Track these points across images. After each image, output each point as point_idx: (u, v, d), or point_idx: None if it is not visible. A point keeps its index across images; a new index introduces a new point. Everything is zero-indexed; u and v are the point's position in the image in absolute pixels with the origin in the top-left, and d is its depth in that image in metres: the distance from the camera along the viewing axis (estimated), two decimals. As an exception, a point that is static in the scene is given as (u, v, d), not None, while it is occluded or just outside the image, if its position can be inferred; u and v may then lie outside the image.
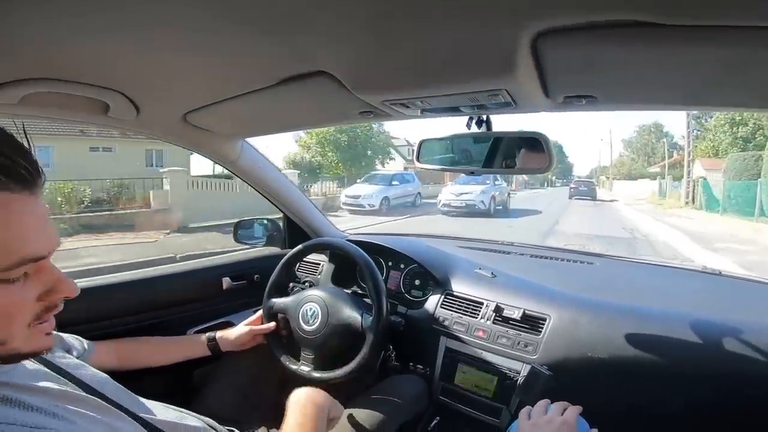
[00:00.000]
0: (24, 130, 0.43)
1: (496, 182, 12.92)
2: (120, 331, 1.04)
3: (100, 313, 1.07)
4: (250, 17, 0.46)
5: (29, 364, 0.50)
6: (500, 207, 12.85)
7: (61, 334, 0.76)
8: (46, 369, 0.52)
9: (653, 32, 0.42)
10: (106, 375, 0.60)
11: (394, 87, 0.66)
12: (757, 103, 0.66)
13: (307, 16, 0.46)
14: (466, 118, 0.78)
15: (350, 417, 0.94)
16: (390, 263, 1.37)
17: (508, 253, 1.56)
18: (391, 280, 1.34)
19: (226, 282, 1.36)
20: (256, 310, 1.21)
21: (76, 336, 0.81)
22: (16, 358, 0.44)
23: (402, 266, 1.35)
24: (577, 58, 0.52)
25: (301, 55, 0.58)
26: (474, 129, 0.77)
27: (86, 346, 0.81)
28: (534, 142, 0.71)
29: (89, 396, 0.50)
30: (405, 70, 0.60)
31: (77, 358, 0.68)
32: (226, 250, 4.74)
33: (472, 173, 0.82)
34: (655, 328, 0.97)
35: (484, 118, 0.76)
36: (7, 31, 0.47)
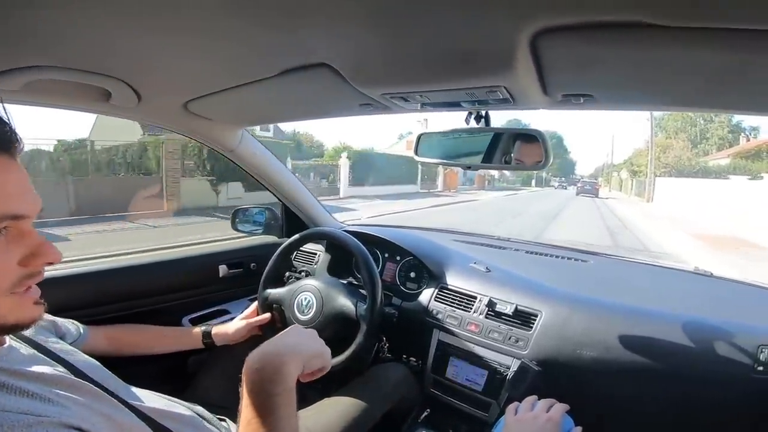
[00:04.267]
0: (0, 101, 0.43)
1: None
2: (114, 317, 1.04)
3: (96, 298, 1.07)
4: (254, 9, 0.46)
5: (24, 349, 0.50)
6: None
7: (55, 318, 0.76)
8: (40, 354, 0.52)
9: (654, 33, 0.42)
10: (97, 362, 0.60)
11: (393, 80, 0.66)
12: (757, 107, 0.66)
13: (310, 9, 0.46)
14: (465, 113, 0.78)
15: (332, 404, 0.95)
16: (386, 255, 1.38)
17: (504, 248, 1.57)
18: (387, 272, 1.35)
19: (222, 269, 1.36)
20: (252, 299, 1.21)
21: (72, 321, 0.81)
22: (0, 329, 0.43)
23: (398, 258, 1.35)
24: (576, 57, 0.52)
25: (303, 47, 0.58)
26: (473, 124, 0.77)
27: (81, 330, 0.81)
28: (531, 139, 0.72)
29: (82, 382, 0.50)
30: (405, 63, 0.60)
31: (71, 343, 0.67)
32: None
33: (468, 168, 0.83)
34: (646, 328, 0.98)
35: (483, 114, 0.76)
36: (10, 19, 0.47)
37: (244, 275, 1.41)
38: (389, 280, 1.34)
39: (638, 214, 14.00)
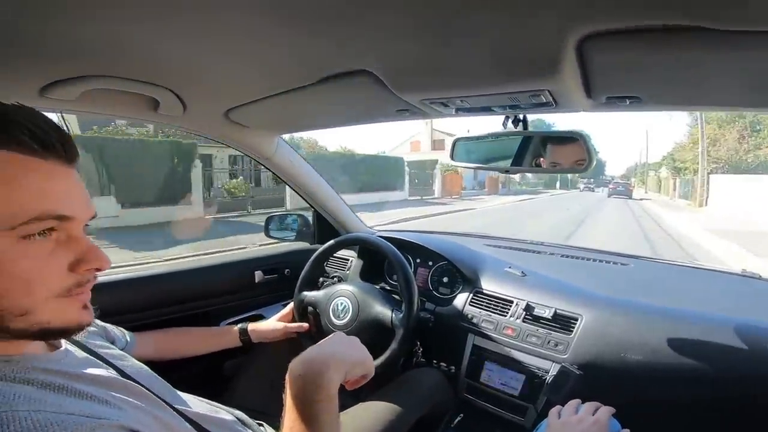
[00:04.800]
0: (62, 116, 0.45)
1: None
2: (156, 323, 1.06)
3: (136, 304, 1.10)
4: (297, 16, 0.47)
5: (78, 352, 0.52)
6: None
7: (105, 324, 0.78)
8: (93, 357, 0.53)
9: (701, 35, 0.42)
10: (145, 366, 0.61)
11: (434, 86, 0.67)
12: None
13: (352, 16, 0.47)
14: (499, 117, 0.78)
15: (366, 409, 0.95)
16: (418, 260, 1.38)
17: (538, 252, 1.54)
18: (419, 277, 1.35)
19: (258, 275, 1.39)
20: (286, 304, 1.24)
21: (119, 327, 0.83)
22: (48, 333, 0.43)
23: (430, 263, 1.35)
24: (623, 60, 0.51)
25: (345, 53, 0.59)
26: (510, 128, 0.77)
27: (128, 337, 0.83)
28: (570, 140, 0.71)
29: (134, 384, 0.51)
30: (448, 69, 0.60)
31: (121, 349, 0.68)
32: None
33: (507, 172, 0.82)
34: (691, 330, 0.95)
35: (521, 117, 0.76)
36: (71, 31, 0.51)
37: (278, 281, 1.44)
38: (422, 285, 1.33)
39: (697, 227, 9.75)
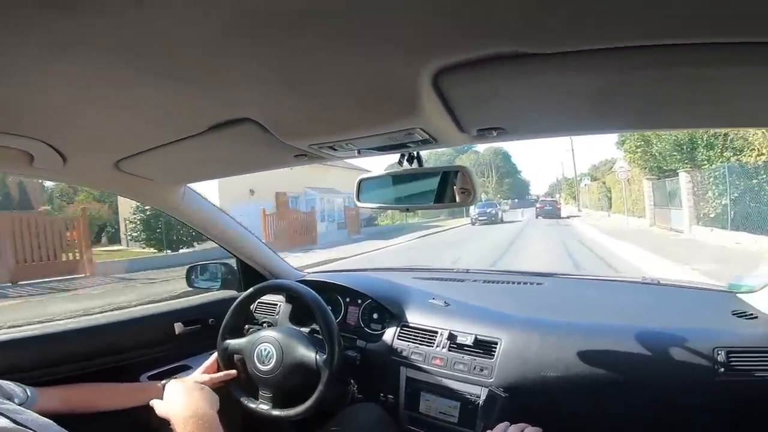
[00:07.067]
0: None
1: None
2: (68, 377, 1.02)
3: (48, 359, 1.05)
4: (172, 66, 0.46)
5: None
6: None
7: (0, 381, 0.75)
8: None
9: (535, 61, 0.44)
10: (49, 420, 0.60)
11: (317, 132, 0.67)
12: (639, 124, 0.70)
13: (227, 67, 0.47)
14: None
15: None
16: (347, 299, 1.41)
17: (463, 280, 1.60)
18: (351, 316, 1.38)
19: (178, 327, 1.36)
20: (213, 352, 1.22)
21: (18, 383, 0.80)
22: None
23: (359, 302, 1.38)
24: (479, 92, 0.54)
25: (224, 103, 0.59)
26: (406, 165, 0.79)
27: (29, 392, 0.80)
28: (458, 175, 0.74)
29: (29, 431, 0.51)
30: (322, 115, 0.61)
31: (19, 404, 0.68)
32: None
33: (407, 210, 0.84)
34: (602, 342, 1.01)
35: (414, 154, 0.78)
36: None
37: (202, 330, 1.40)
38: (353, 323, 1.36)
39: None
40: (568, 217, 21.94)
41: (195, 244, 11.51)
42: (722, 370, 0.90)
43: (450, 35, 0.41)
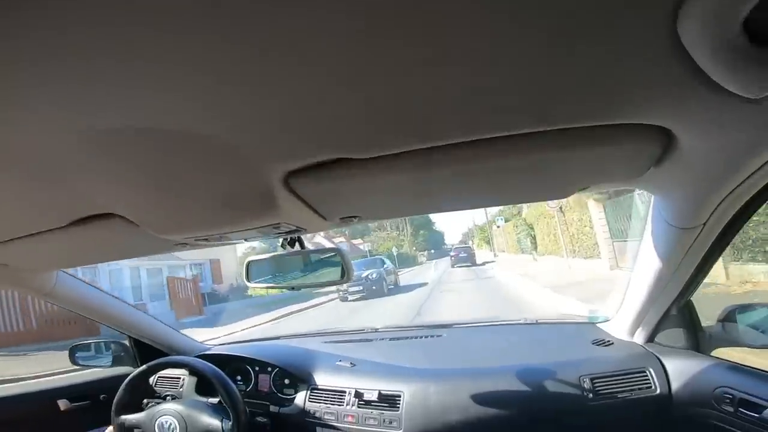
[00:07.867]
0: None
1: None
2: None
3: None
4: (21, 165, 0.45)
5: None
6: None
7: None
8: None
9: (361, 164, 0.51)
10: None
11: (186, 227, 0.68)
12: (459, 205, 0.78)
13: (86, 165, 0.47)
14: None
15: None
16: (257, 368, 1.44)
17: (371, 340, 1.64)
18: (262, 383, 1.41)
19: (63, 403, 1.31)
20: (103, 430, 1.19)
21: None
22: None
23: (269, 369, 1.41)
24: (327, 189, 0.58)
25: (82, 199, 0.58)
26: (288, 248, 0.85)
27: None
28: (333, 255, 0.82)
29: None
30: (189, 213, 0.63)
31: None
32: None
33: (293, 288, 0.90)
34: (489, 384, 1.13)
35: (296, 237, 0.85)
36: None
37: (92, 407, 1.36)
38: (266, 389, 1.39)
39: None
40: (483, 264, 18.23)
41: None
42: (590, 395, 1.04)
43: (288, 146, 0.47)
